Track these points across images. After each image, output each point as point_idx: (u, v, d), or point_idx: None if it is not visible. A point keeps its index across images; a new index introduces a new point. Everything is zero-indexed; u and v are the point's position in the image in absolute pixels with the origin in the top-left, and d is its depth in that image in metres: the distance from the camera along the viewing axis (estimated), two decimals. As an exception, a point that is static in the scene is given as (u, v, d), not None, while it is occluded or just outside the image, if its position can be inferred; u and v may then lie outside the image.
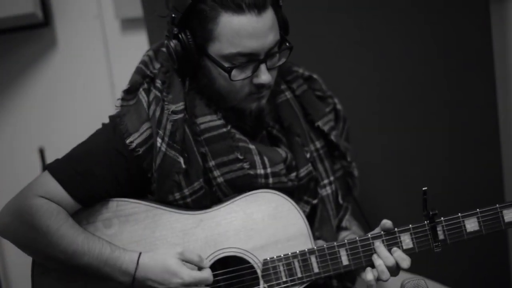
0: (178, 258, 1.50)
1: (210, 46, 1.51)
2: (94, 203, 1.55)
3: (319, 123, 1.71)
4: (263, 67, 1.52)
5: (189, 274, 1.49)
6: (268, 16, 1.49)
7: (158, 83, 1.58)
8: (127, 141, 1.54)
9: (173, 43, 1.53)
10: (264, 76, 1.52)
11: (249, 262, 1.55)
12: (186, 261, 1.51)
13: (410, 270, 1.52)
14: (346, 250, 1.53)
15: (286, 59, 1.58)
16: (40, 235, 1.48)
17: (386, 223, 1.51)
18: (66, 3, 2.45)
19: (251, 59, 1.50)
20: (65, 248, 1.48)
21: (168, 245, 1.54)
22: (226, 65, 1.50)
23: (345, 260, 1.53)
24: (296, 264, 1.54)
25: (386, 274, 1.48)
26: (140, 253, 1.51)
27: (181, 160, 1.53)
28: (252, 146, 1.59)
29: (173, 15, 1.51)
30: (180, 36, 1.52)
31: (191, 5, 1.48)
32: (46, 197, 1.51)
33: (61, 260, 1.50)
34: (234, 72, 1.50)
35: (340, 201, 1.73)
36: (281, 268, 1.54)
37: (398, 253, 1.50)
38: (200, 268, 1.52)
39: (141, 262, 1.50)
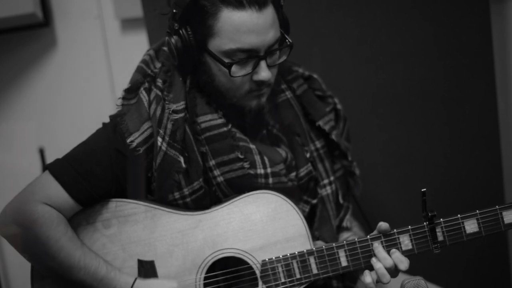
0: None
1: (210, 42, 1.51)
2: (94, 204, 1.55)
3: (320, 123, 1.70)
4: (263, 63, 1.51)
5: None
6: (269, 12, 1.49)
7: (159, 82, 1.58)
8: (128, 140, 1.54)
9: (173, 39, 1.53)
10: (264, 73, 1.51)
11: (247, 263, 1.55)
12: None
13: (409, 272, 1.52)
14: (345, 251, 1.52)
15: (286, 57, 1.58)
16: (39, 244, 1.48)
17: (382, 225, 1.50)
18: (66, 3, 2.45)
19: (251, 56, 1.50)
20: (62, 260, 1.49)
21: (167, 246, 1.55)
22: (226, 61, 1.50)
23: (344, 262, 1.53)
24: (295, 265, 1.54)
25: (386, 277, 1.48)
26: (135, 279, 1.52)
27: (181, 159, 1.53)
28: (252, 146, 1.59)
29: (174, 11, 1.51)
30: (180, 32, 1.52)
31: (192, 0, 1.48)
32: (47, 203, 1.50)
33: (55, 271, 1.50)
34: (234, 68, 1.50)
35: (341, 200, 1.73)
36: (280, 269, 1.54)
37: (396, 255, 1.49)
38: None
39: (136, 287, 1.51)
